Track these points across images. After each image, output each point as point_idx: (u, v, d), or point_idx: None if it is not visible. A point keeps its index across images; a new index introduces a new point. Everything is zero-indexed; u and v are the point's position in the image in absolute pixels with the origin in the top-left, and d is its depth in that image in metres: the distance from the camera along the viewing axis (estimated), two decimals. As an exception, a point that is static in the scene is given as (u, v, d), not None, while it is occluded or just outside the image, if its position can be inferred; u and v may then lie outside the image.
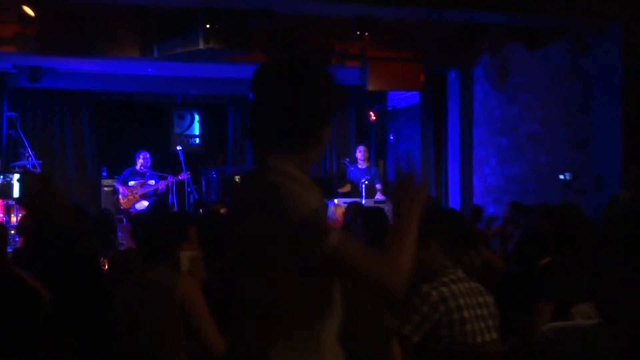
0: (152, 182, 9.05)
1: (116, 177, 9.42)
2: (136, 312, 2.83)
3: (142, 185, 8.98)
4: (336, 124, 11.46)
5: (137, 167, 9.07)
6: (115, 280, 3.63)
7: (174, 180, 9.07)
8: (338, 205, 7.66)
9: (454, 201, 9.10)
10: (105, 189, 9.80)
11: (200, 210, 7.83)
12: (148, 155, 9.12)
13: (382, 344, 2.50)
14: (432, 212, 3.04)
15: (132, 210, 8.65)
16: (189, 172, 9.05)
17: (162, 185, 8.97)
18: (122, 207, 8.82)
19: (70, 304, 3.42)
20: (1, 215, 7.56)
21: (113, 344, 2.91)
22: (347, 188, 9.80)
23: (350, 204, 6.41)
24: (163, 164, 9.48)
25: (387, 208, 7.29)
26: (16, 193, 6.96)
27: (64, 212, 3.50)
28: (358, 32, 7.40)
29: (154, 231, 2.97)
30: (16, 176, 6.79)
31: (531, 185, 7.75)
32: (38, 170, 8.27)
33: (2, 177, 7.12)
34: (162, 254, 2.93)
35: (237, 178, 9.06)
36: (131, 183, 8.97)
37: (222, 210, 6.72)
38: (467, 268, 3.08)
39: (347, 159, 9.99)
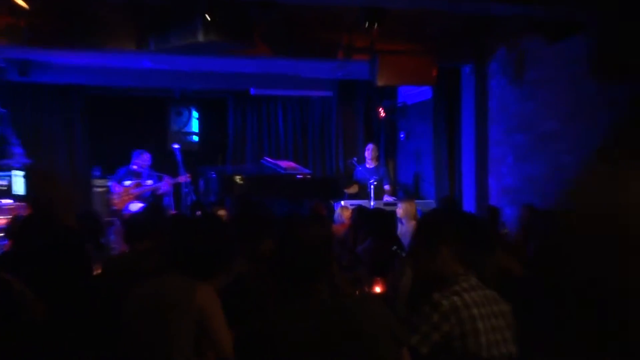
0: (149, 182, 9.03)
1: (109, 176, 9.41)
2: (148, 320, 2.80)
3: (138, 185, 8.97)
4: (342, 121, 11.44)
5: (133, 166, 9.05)
6: (110, 287, 3.61)
7: (173, 182, 9.06)
8: (345, 207, 7.63)
9: (468, 203, 9.06)
10: (98, 189, 9.79)
11: (198, 213, 7.81)
12: (146, 155, 9.09)
13: (391, 352, 2.47)
14: (443, 214, 3.01)
15: (125, 211, 8.64)
16: (188, 175, 9.03)
17: (164, 186, 8.95)
18: (114, 208, 8.81)
19: (64, 310, 3.40)
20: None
21: (118, 352, 2.89)
22: (354, 189, 9.78)
23: (356, 208, 6.38)
24: (159, 163, 9.46)
25: (397, 210, 7.27)
26: (20, 191, 7.02)
27: (66, 213, 3.49)
28: (366, 24, 7.36)
29: (215, 245, 2.92)
30: (20, 173, 6.86)
31: (550, 186, 7.70)
32: (29, 168, 8.29)
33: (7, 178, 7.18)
34: (212, 271, 2.89)
35: (237, 178, 9.04)
36: (126, 183, 8.96)
37: (222, 213, 6.70)
38: (482, 275, 3.04)
39: (355, 158, 9.98)
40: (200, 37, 7.24)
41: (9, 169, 8.34)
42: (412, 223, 7.05)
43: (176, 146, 9.32)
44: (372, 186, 8.80)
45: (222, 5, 7.21)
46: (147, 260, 3.68)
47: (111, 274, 3.89)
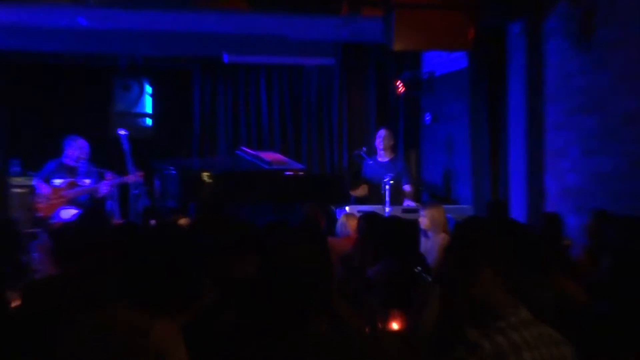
0: (87, 181, 9.01)
1: (33, 172, 9.38)
2: None
3: (73, 185, 8.95)
4: (347, 98, 11.42)
5: (66, 159, 9.03)
6: (32, 323, 3.60)
7: (119, 182, 9.03)
8: (350, 215, 7.63)
9: (517, 209, 9.06)
10: (17, 189, 9.76)
11: (153, 222, 7.81)
12: (83, 143, 9.07)
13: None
14: (483, 224, 3.01)
15: (54, 220, 8.62)
16: (141, 172, 9.01)
17: (104, 187, 8.92)
18: (40, 215, 8.80)
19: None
20: None
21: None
22: (362, 190, 9.78)
23: (364, 215, 6.37)
24: (100, 155, 9.45)
25: (420, 219, 7.26)
26: None
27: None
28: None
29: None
30: None
31: (628, 186, 7.71)
32: None
33: None
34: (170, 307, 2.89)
35: (205, 176, 9.04)
36: (57, 181, 8.94)
37: (184, 222, 6.68)
38: (536, 306, 3.04)
39: (364, 149, 9.97)
40: (155, -15, 7.23)
41: None
42: (441, 236, 7.05)
43: (123, 133, 9.30)
44: (387, 186, 8.80)
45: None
46: (83, 287, 3.67)
47: (34, 305, 3.88)
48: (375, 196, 9.29)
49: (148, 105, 11.27)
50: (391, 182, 8.86)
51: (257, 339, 2.65)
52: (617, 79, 7.94)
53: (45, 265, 6.11)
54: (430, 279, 4.81)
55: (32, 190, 9.15)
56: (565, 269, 5.04)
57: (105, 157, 9.49)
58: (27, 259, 5.48)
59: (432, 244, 7.05)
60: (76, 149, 9.04)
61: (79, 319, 2.94)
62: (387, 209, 8.56)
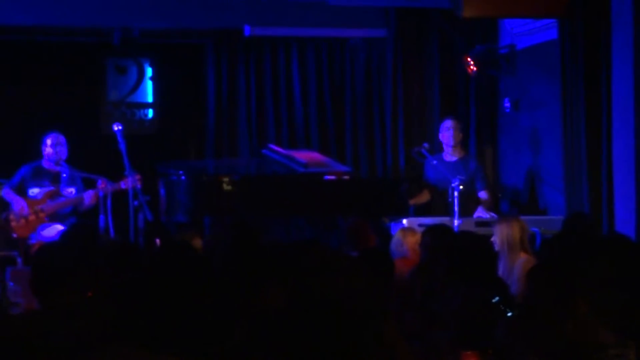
0: (71, 190, 9.06)
1: (1, 181, 9.42)
2: None
3: (54, 195, 9.00)
4: (402, 81, 11.39)
5: (44, 162, 9.09)
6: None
7: (111, 189, 9.04)
8: (409, 230, 7.63)
9: (624, 221, 8.99)
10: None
11: (157, 242, 7.87)
12: (64, 141, 9.12)
13: None
14: (578, 242, 3.03)
15: (32, 241, 8.68)
16: (137, 175, 9.02)
17: (89, 196, 8.96)
18: (15, 235, 8.83)
19: None
20: None
21: None
22: (424, 197, 9.76)
23: (430, 229, 6.36)
24: (88, 158, 9.50)
25: (494, 235, 7.21)
26: None
27: None
28: None
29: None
30: None
31: None
32: None
33: None
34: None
35: (224, 182, 9.06)
36: (34, 191, 8.99)
37: (199, 244, 6.72)
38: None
39: (425, 145, 9.93)
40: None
41: None
42: (521, 257, 6.99)
43: (118, 127, 9.33)
44: (455, 193, 8.76)
45: None
46: (71, 324, 3.71)
47: (10, 346, 3.93)
48: (439, 205, 9.26)
49: (149, 92, 11.32)
50: (461, 187, 8.80)
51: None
52: None
53: (24, 297, 6.19)
54: (510, 315, 4.80)
55: (5, 202, 9.20)
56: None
57: (95, 158, 9.53)
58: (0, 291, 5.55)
59: (505, 267, 7.00)
60: (56, 149, 9.06)
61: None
62: (456, 222, 8.51)
